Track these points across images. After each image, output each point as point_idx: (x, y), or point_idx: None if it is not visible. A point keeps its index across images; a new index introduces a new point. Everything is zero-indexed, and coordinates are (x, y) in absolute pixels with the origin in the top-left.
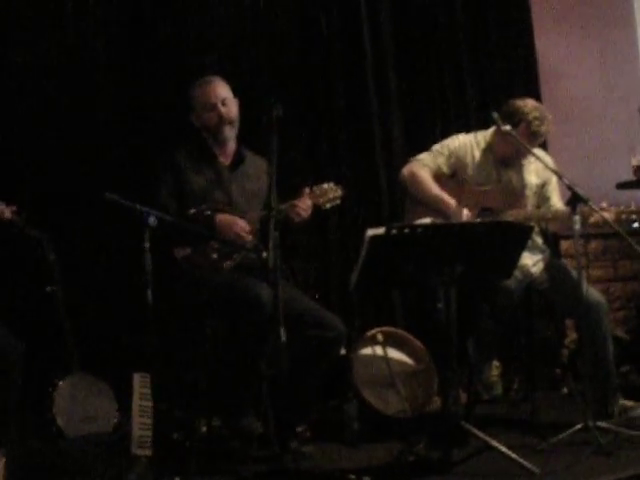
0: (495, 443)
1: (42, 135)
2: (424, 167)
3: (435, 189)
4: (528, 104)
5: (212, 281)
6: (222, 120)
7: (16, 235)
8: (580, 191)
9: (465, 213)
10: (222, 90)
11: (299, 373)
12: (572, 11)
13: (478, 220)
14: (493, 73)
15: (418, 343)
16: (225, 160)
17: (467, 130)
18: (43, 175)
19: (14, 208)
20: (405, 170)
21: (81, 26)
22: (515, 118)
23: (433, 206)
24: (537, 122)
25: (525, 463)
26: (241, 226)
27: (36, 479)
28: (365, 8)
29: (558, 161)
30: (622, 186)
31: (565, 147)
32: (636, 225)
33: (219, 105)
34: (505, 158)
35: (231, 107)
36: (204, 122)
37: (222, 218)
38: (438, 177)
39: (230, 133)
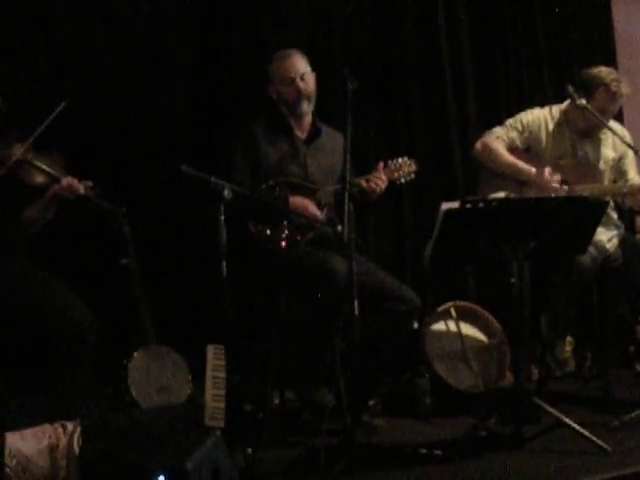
0: (567, 420)
1: (117, 109)
2: (497, 139)
3: (511, 158)
4: (603, 70)
5: (287, 254)
6: (300, 95)
7: (91, 209)
8: None
9: (547, 171)
10: (301, 65)
11: (372, 346)
12: None
13: (552, 194)
14: (569, 46)
15: (491, 318)
16: (301, 134)
17: (542, 104)
18: (119, 148)
19: (89, 183)
20: (478, 143)
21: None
22: (592, 84)
23: (510, 176)
24: (616, 83)
25: (597, 440)
26: (314, 208)
27: (110, 449)
28: None
29: (635, 135)
30: None
31: None
32: None
33: (298, 80)
34: (581, 131)
35: (309, 82)
36: (282, 96)
37: (295, 201)
38: (512, 151)
39: (307, 108)
